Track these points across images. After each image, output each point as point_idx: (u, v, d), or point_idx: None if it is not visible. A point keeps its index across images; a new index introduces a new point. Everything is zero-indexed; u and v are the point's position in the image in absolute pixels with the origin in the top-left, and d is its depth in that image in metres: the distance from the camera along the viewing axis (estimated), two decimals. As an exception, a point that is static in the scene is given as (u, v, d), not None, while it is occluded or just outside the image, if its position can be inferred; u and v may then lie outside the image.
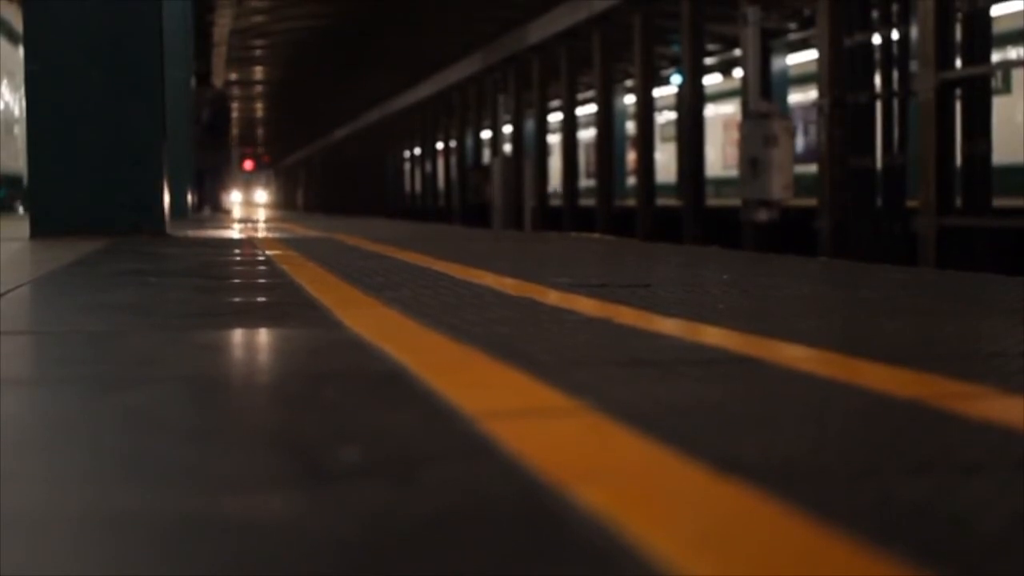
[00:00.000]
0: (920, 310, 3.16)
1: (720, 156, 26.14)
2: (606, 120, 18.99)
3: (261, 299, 3.43)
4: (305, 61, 30.25)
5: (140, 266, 4.93)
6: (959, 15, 9.77)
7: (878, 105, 10.98)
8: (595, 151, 19.32)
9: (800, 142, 18.35)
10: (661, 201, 17.15)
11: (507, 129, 25.17)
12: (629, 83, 25.18)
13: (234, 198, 68.04)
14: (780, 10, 20.68)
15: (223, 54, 26.55)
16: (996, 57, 16.36)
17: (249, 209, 32.55)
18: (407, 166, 37.31)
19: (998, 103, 10.88)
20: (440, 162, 32.40)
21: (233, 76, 33.32)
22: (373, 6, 22.08)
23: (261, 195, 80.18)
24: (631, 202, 18.57)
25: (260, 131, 58.70)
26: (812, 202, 12.00)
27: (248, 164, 72.37)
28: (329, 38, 25.72)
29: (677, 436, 1.47)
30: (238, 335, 2.59)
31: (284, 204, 71.62)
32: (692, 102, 15.07)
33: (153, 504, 1.19)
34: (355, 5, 22.29)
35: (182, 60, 14.98)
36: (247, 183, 78.14)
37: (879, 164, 10.98)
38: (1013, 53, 15.04)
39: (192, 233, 9.03)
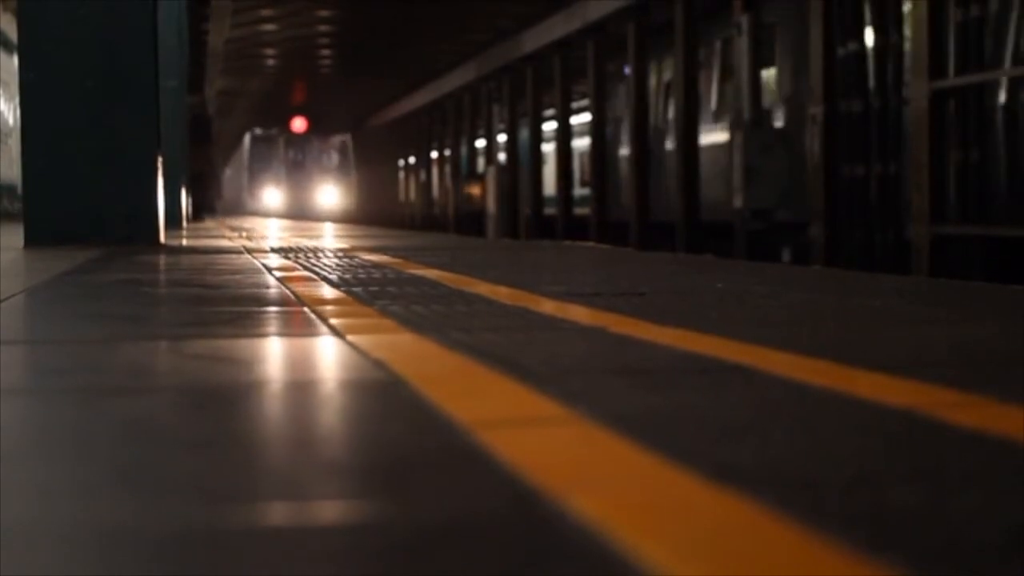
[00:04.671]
0: (914, 318, 3.16)
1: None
2: (600, 129, 19.01)
3: (254, 308, 3.43)
4: (298, 70, 29.76)
5: (133, 276, 4.93)
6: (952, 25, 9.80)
7: (873, 114, 10.99)
8: (589, 160, 19.32)
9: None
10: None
11: (501, 138, 25.17)
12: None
13: (268, 200, 41.17)
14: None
15: (217, 64, 26.50)
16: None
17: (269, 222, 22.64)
18: (401, 174, 37.17)
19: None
20: (435, 170, 32.30)
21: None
22: (370, 15, 22.05)
23: (329, 194, 42.19)
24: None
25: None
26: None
27: (299, 123, 40.33)
28: (325, 46, 25.54)
29: (670, 444, 1.47)
30: (230, 345, 2.59)
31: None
32: (686, 112, 15.08)
33: (147, 514, 1.19)
34: (351, 15, 22.28)
35: (176, 69, 14.98)
36: (296, 168, 42.39)
37: (873, 173, 11.00)
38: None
39: (187, 242, 9.02)
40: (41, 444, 1.58)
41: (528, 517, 1.17)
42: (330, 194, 42.00)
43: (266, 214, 38.63)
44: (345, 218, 37.27)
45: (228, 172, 51.50)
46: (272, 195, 42.56)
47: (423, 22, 22.71)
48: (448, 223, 27.97)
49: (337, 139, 42.94)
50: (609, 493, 1.25)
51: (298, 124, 40.88)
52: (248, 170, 43.45)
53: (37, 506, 1.24)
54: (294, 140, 42.56)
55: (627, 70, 19.83)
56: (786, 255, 12.91)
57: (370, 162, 41.16)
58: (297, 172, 42.57)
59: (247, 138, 43.62)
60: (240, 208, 42.36)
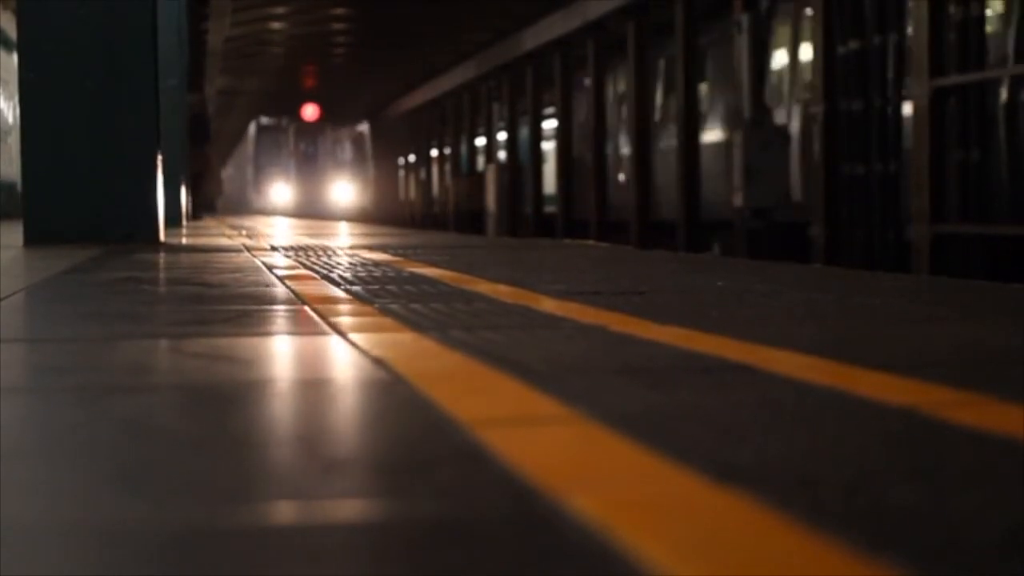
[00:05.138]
0: (915, 317, 3.15)
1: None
2: (599, 128, 18.99)
3: (253, 306, 3.42)
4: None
5: (134, 274, 4.92)
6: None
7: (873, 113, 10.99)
8: (590, 160, 19.29)
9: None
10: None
11: (501, 136, 25.11)
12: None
13: (276, 197, 36.91)
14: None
15: (217, 62, 26.46)
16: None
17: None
18: (400, 172, 37.01)
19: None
20: (434, 169, 32.21)
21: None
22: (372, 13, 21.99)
23: (344, 190, 37.94)
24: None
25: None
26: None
27: (311, 111, 36.20)
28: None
29: (671, 443, 1.46)
30: (230, 343, 2.59)
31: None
32: (687, 111, 15.07)
33: (148, 513, 1.19)
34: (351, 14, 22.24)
35: (175, 68, 14.96)
36: (308, 162, 38.02)
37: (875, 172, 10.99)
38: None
39: (187, 241, 9.02)
40: (41, 443, 1.58)
41: (528, 516, 1.17)
42: (345, 190, 37.72)
43: (272, 212, 35.12)
44: (361, 217, 34.24)
45: (231, 168, 48.02)
46: (280, 191, 38.48)
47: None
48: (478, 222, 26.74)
49: (353, 130, 38.66)
50: (610, 492, 1.25)
51: (309, 112, 36.57)
52: (254, 164, 39.55)
53: (36, 505, 1.23)
54: (305, 130, 38.26)
55: (585, 82, 20.01)
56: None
57: (388, 156, 37.78)
58: (309, 166, 38.28)
59: (252, 128, 39.53)
60: (245, 206, 38.83)
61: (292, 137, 38.59)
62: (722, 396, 1.85)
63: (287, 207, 37.06)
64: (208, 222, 18.05)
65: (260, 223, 18.19)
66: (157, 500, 1.24)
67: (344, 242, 8.71)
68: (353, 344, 2.47)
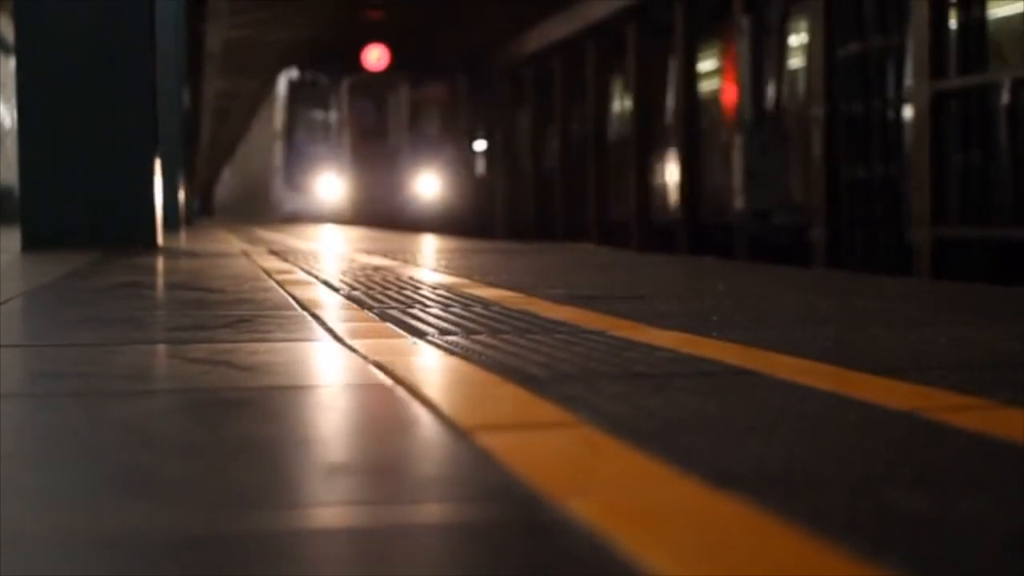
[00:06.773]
0: (916, 321, 3.14)
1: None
2: (600, 131, 19.00)
3: (253, 312, 3.41)
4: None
5: (133, 278, 4.92)
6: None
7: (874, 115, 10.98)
8: (591, 162, 19.30)
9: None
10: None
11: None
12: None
13: (324, 193, 22.16)
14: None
15: (216, 63, 26.45)
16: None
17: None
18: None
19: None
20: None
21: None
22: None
23: (432, 184, 22.68)
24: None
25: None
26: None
27: (376, 56, 21.74)
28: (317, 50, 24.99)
29: (672, 449, 1.46)
30: (230, 348, 2.58)
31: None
32: (687, 113, 15.08)
33: (147, 519, 1.18)
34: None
35: (174, 70, 14.95)
36: (373, 138, 23.18)
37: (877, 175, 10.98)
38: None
39: (185, 245, 9.01)
40: (40, 448, 1.57)
41: (529, 521, 1.16)
42: (433, 185, 23.31)
43: (316, 219, 22.36)
44: (465, 227, 21.86)
45: (242, 152, 39.12)
46: (330, 185, 23.54)
47: None
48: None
49: (444, 87, 23.86)
50: (610, 498, 1.24)
51: (375, 57, 22.08)
52: (286, 142, 24.29)
53: (36, 509, 1.23)
54: (367, 86, 23.39)
55: None
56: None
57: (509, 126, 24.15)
58: (375, 144, 23.39)
59: (283, 84, 24.45)
60: (270, 209, 25.88)
61: (346, 97, 23.66)
62: (723, 401, 1.84)
63: (341, 211, 23.35)
64: (206, 226, 18.02)
65: (269, 234, 17.99)
66: (156, 505, 1.23)
67: (331, 243, 8.67)
68: (353, 350, 2.47)
